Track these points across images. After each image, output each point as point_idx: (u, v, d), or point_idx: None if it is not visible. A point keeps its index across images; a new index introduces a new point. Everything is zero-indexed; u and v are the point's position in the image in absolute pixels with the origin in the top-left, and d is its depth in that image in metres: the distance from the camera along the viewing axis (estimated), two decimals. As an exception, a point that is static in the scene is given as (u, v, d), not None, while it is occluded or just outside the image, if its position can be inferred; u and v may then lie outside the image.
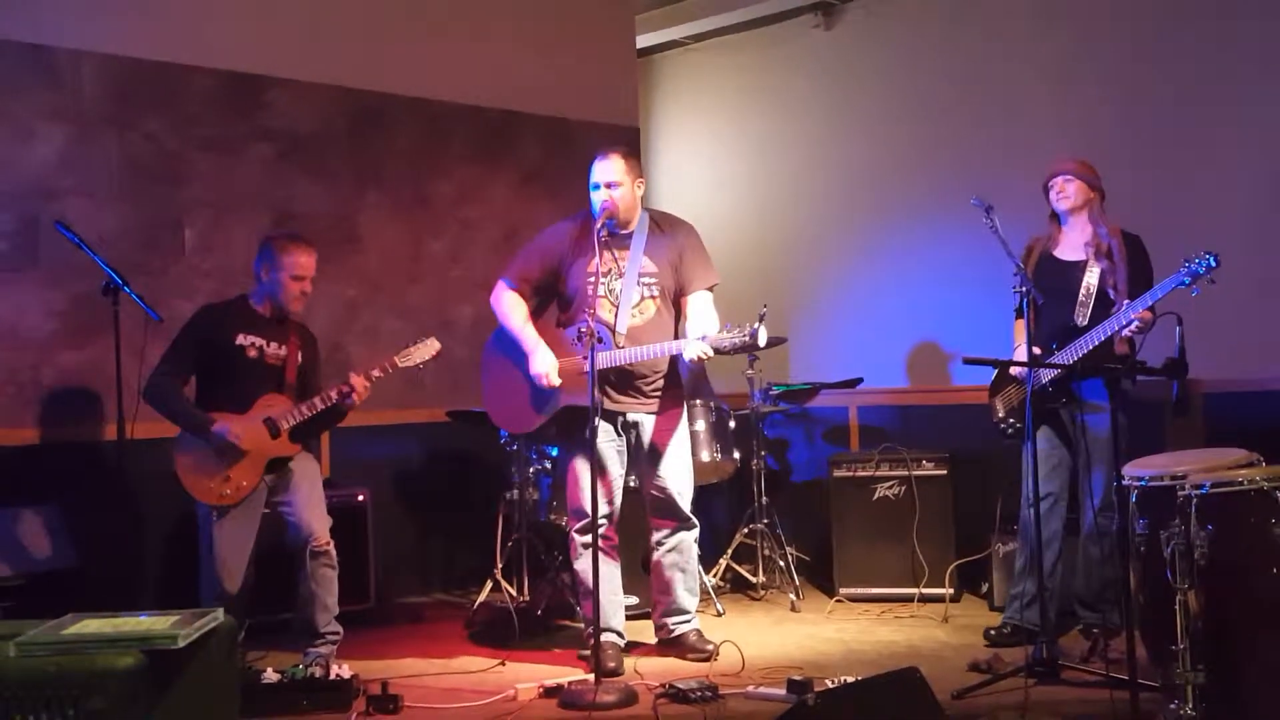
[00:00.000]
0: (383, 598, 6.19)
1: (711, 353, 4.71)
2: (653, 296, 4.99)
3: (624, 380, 4.96)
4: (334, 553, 4.99)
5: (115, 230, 5.74)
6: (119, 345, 4.92)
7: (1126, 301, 4.77)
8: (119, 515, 5.30)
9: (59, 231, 4.99)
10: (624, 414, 5.01)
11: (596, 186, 4.95)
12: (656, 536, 5.16)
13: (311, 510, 4.98)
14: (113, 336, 4.91)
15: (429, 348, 5.17)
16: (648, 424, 5.05)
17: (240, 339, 4.97)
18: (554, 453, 5.90)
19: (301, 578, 4.94)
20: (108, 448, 5.27)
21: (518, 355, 5.02)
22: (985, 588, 5.99)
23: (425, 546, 6.80)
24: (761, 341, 4.61)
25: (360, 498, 6.04)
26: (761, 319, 4.59)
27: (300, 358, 5.13)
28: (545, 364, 4.91)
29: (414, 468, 6.78)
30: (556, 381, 4.88)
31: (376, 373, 5.04)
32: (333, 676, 4.50)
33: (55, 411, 5.57)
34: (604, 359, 4.79)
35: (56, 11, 5.65)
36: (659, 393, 5.05)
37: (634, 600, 5.57)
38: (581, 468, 4.92)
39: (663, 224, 5.11)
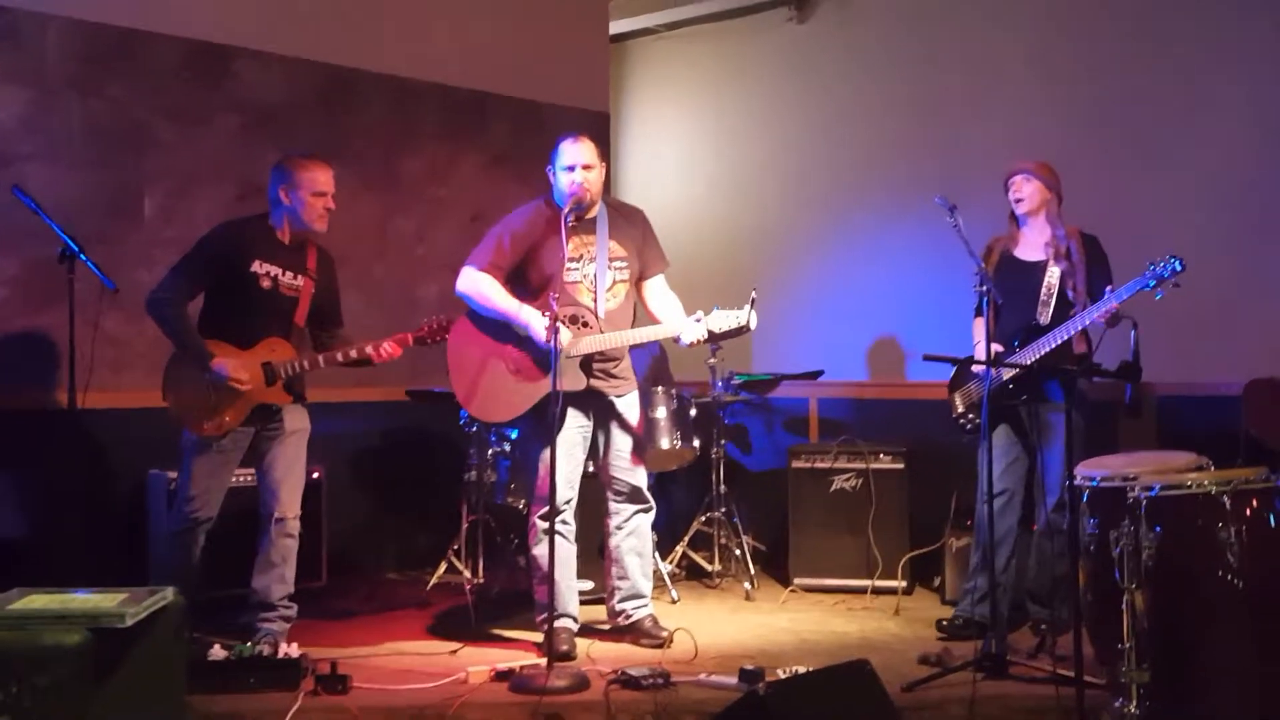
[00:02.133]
0: (335, 576, 6.16)
1: (706, 336, 4.75)
2: (623, 280, 5.02)
3: (601, 363, 4.96)
4: (298, 527, 4.98)
5: (75, 197, 5.67)
6: (73, 314, 4.84)
7: (1097, 301, 4.79)
8: (69, 486, 5.25)
9: (16, 196, 4.92)
10: (603, 395, 5.00)
11: (571, 168, 4.92)
12: (615, 520, 5.16)
13: (286, 477, 4.95)
14: (67, 304, 4.84)
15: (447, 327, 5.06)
16: (616, 405, 5.06)
17: (256, 265, 4.86)
18: (513, 435, 5.88)
19: (262, 546, 4.92)
20: (59, 417, 5.21)
21: (498, 336, 4.97)
22: (938, 581, 6.04)
23: (381, 526, 6.77)
24: (753, 325, 4.71)
25: (315, 474, 5.99)
26: (752, 303, 4.66)
27: (316, 288, 5.03)
28: (537, 321, 4.82)
29: (371, 446, 6.75)
30: (564, 339, 4.77)
31: (384, 348, 4.93)
32: (281, 655, 4.47)
33: (6, 379, 5.50)
34: (595, 342, 4.80)
35: (21, -27, 5.58)
36: (623, 375, 5.07)
37: (589, 585, 5.57)
38: (549, 452, 4.88)
39: (621, 210, 5.16)
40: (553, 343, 4.53)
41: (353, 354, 4.92)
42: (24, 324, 5.55)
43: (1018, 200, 5.12)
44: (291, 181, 4.90)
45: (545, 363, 4.79)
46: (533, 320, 4.84)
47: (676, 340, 4.88)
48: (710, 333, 4.75)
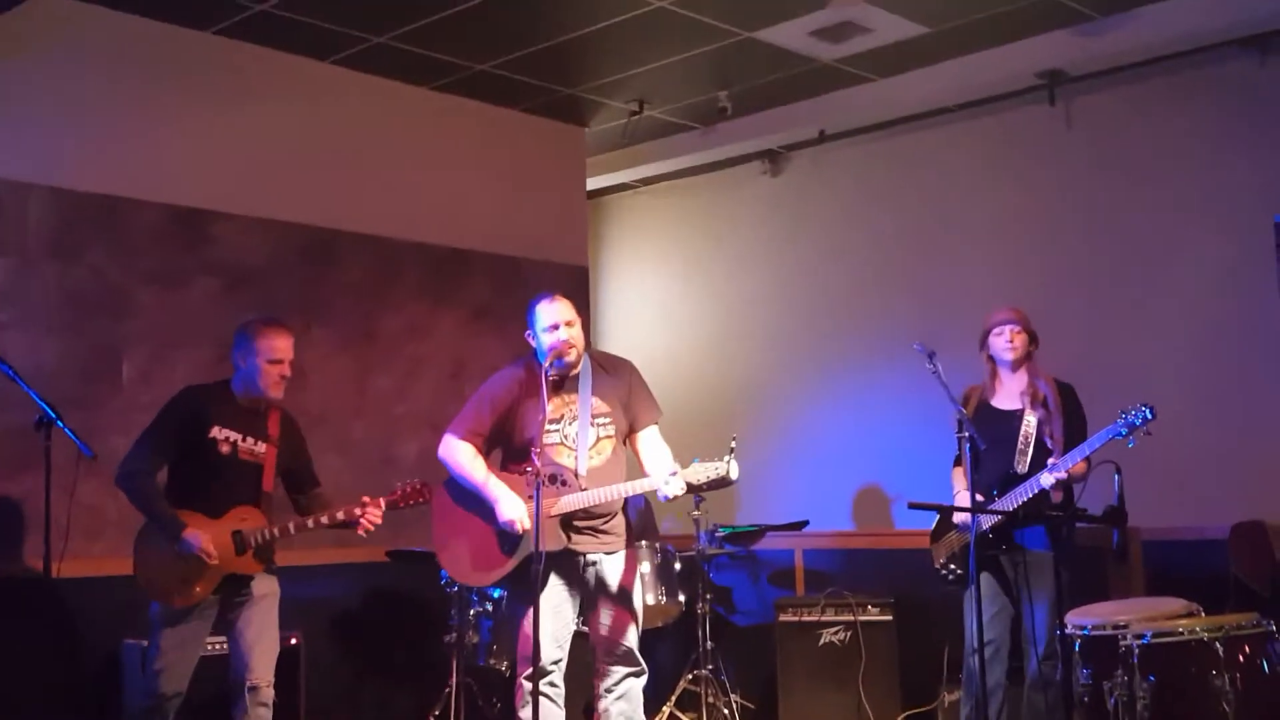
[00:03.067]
0: (315, 744, 6.00)
1: (685, 490, 4.66)
2: (608, 436, 4.94)
3: (582, 520, 4.89)
4: (272, 695, 4.85)
5: (52, 363, 5.66)
6: (49, 481, 4.82)
7: (1071, 450, 4.80)
8: (43, 655, 5.14)
9: (-6, 363, 4.92)
10: (584, 554, 4.92)
11: (555, 327, 4.91)
12: (605, 684, 5.00)
13: (257, 643, 4.84)
14: (43, 471, 4.81)
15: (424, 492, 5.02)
16: (604, 564, 4.96)
17: (215, 431, 4.83)
18: (495, 594, 5.79)
19: (236, 716, 4.79)
20: (34, 585, 5.12)
21: (477, 505, 4.90)
22: (933, 737, 5.91)
23: (361, 690, 6.61)
24: (734, 475, 4.55)
25: (293, 640, 5.87)
26: (732, 452, 4.55)
27: (280, 452, 4.99)
28: (515, 509, 4.77)
29: (351, 608, 6.62)
30: (527, 524, 4.74)
31: (359, 515, 4.88)
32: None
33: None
34: (572, 501, 4.75)
35: (1, 144, 5.64)
36: (614, 532, 4.98)
37: (574, 748, 5.43)
38: (533, 613, 4.79)
39: (605, 364, 5.09)
40: (535, 498, 4.48)
41: (324, 520, 4.88)
42: (1, 491, 5.48)
43: (1008, 349, 5.13)
44: (249, 348, 4.90)
45: (512, 535, 4.77)
46: (502, 506, 4.80)
47: (659, 496, 4.82)
48: (690, 484, 4.70)
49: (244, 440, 4.89)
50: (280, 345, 4.93)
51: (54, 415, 4.83)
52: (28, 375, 4.95)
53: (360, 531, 4.88)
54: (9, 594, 5.30)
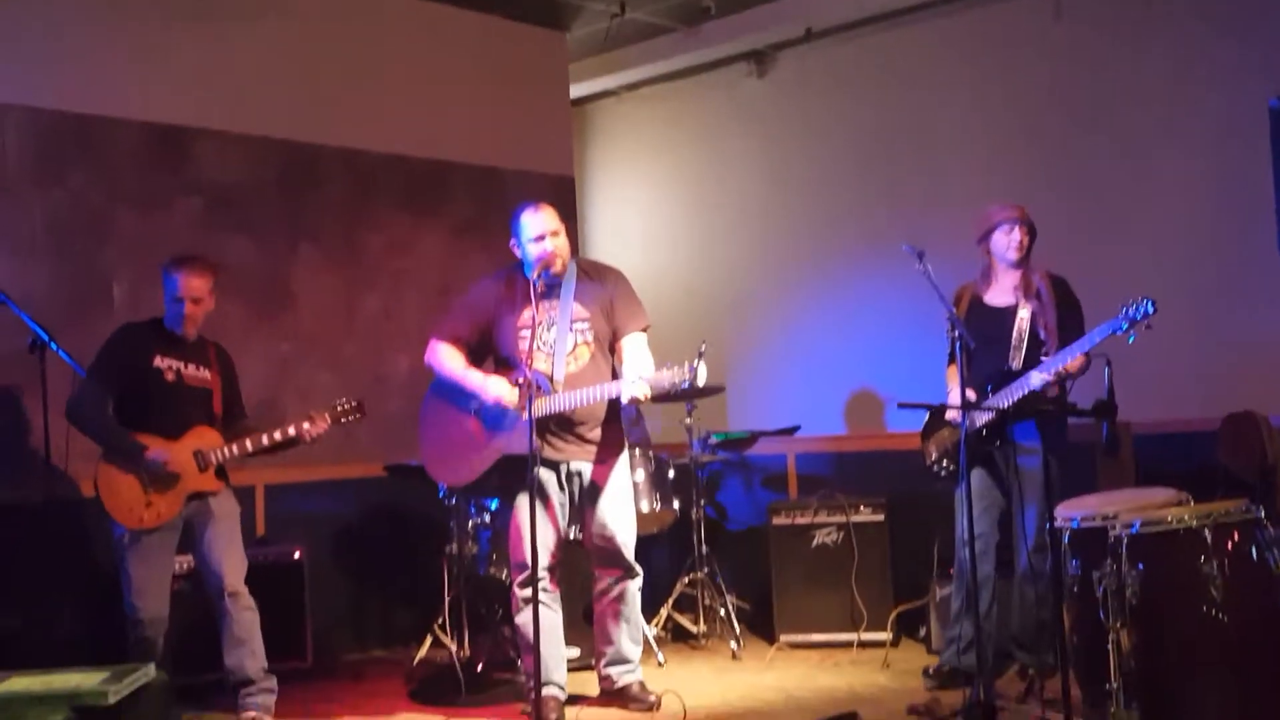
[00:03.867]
0: (320, 656, 6.08)
1: (649, 393, 4.61)
2: (586, 342, 4.95)
3: (564, 428, 4.92)
4: (249, 597, 4.96)
5: (42, 288, 5.65)
6: (46, 403, 4.85)
7: (1066, 346, 4.81)
8: (45, 574, 5.19)
9: (-16, 289, 4.92)
10: (566, 462, 4.97)
11: (540, 238, 4.91)
12: (600, 586, 5.12)
13: (226, 555, 4.95)
14: (39, 395, 4.83)
15: (357, 410, 5.17)
16: (589, 472, 5.02)
17: (157, 360, 4.94)
18: (493, 506, 5.85)
19: (224, 625, 4.91)
20: (34, 506, 5.17)
21: (460, 401, 4.98)
22: (924, 632, 6.00)
23: (363, 603, 6.71)
24: (701, 380, 4.47)
25: (296, 555, 5.95)
26: (700, 356, 4.48)
27: (221, 380, 5.11)
28: (499, 386, 4.85)
29: (351, 523, 6.69)
30: (515, 399, 4.80)
31: (307, 428, 5.02)
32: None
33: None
34: (542, 405, 4.77)
35: (-21, 66, 5.59)
36: (599, 440, 5.02)
37: (575, 652, 5.52)
38: (523, 519, 4.86)
39: (590, 271, 5.10)
40: (528, 406, 4.52)
41: (277, 436, 5.00)
42: (-4, 415, 5.51)
43: (1015, 247, 5.06)
44: (166, 285, 4.99)
45: (497, 427, 4.86)
46: (488, 388, 4.86)
47: (619, 398, 4.82)
48: (654, 389, 4.60)
49: (186, 368, 5.00)
50: (194, 283, 4.99)
51: (47, 338, 4.86)
52: (19, 300, 4.95)
53: (307, 439, 5.03)
54: (10, 516, 5.34)
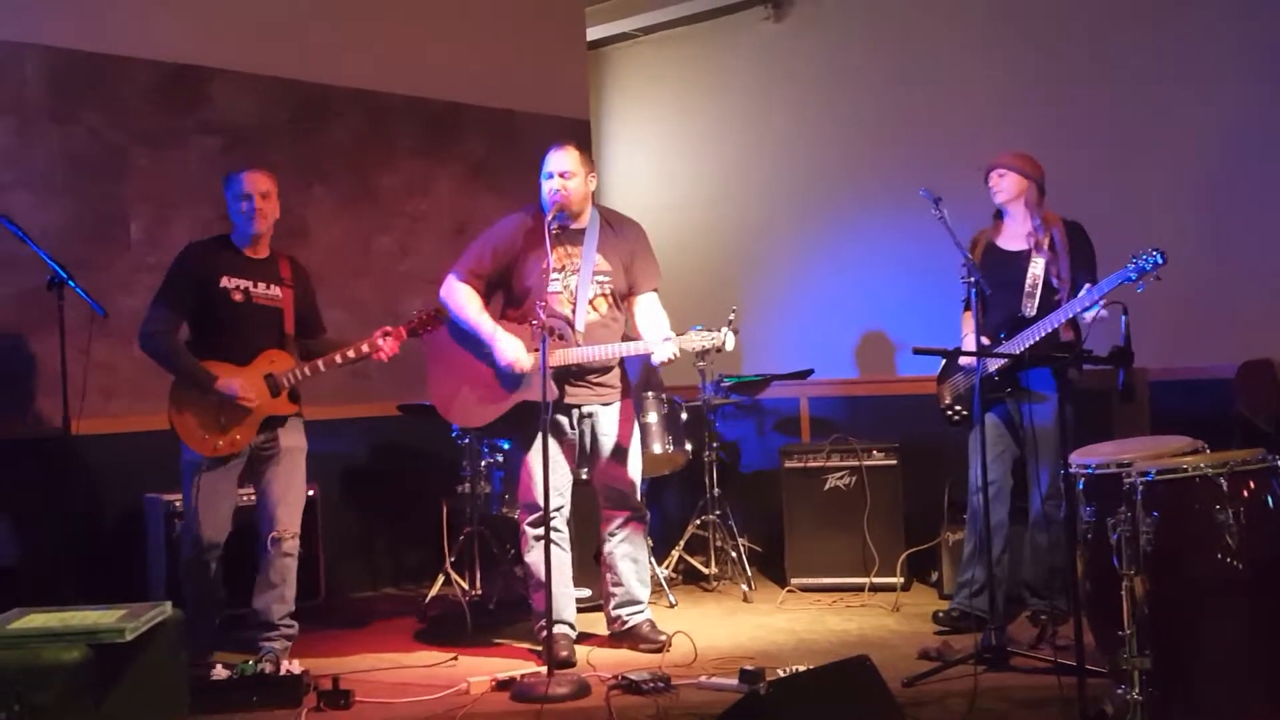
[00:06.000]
0: (333, 593, 6.15)
1: (678, 355, 4.77)
2: (605, 294, 5.00)
3: (578, 373, 4.95)
4: (296, 546, 4.98)
5: (58, 225, 5.66)
6: (64, 340, 4.87)
7: (1085, 289, 4.80)
8: (63, 511, 5.22)
9: (2, 224, 4.91)
10: (579, 406, 5.01)
11: (550, 176, 4.93)
12: (609, 527, 5.16)
13: (285, 500, 4.96)
14: (57, 332, 4.84)
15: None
16: (600, 415, 5.05)
17: (225, 281, 4.88)
18: (505, 446, 5.88)
19: (261, 565, 4.93)
20: (53, 443, 5.20)
21: (474, 347, 4.98)
22: (935, 576, 6.04)
23: (375, 541, 6.77)
24: (729, 346, 4.68)
25: (310, 493, 5.97)
26: (730, 323, 4.67)
27: (295, 296, 5.05)
28: (513, 349, 4.86)
29: (364, 462, 6.73)
30: (528, 364, 4.83)
31: (381, 345, 4.95)
32: (283, 673, 4.45)
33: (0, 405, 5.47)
34: (568, 355, 4.79)
35: (-3, 3, 5.57)
36: (610, 384, 5.06)
37: (586, 593, 5.57)
38: (534, 461, 4.90)
39: (613, 222, 5.12)
40: (542, 350, 4.54)
41: (350, 354, 4.94)
42: (14, 352, 5.52)
43: (997, 191, 5.14)
44: (229, 191, 4.93)
45: (511, 376, 4.88)
46: (500, 344, 4.86)
47: (650, 359, 4.89)
48: (684, 351, 4.77)
49: (255, 286, 4.93)
50: (258, 180, 4.92)
51: (65, 275, 4.85)
52: (36, 237, 4.96)
53: (381, 357, 4.95)
54: (30, 453, 5.38)
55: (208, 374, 4.76)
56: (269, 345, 4.92)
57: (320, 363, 4.92)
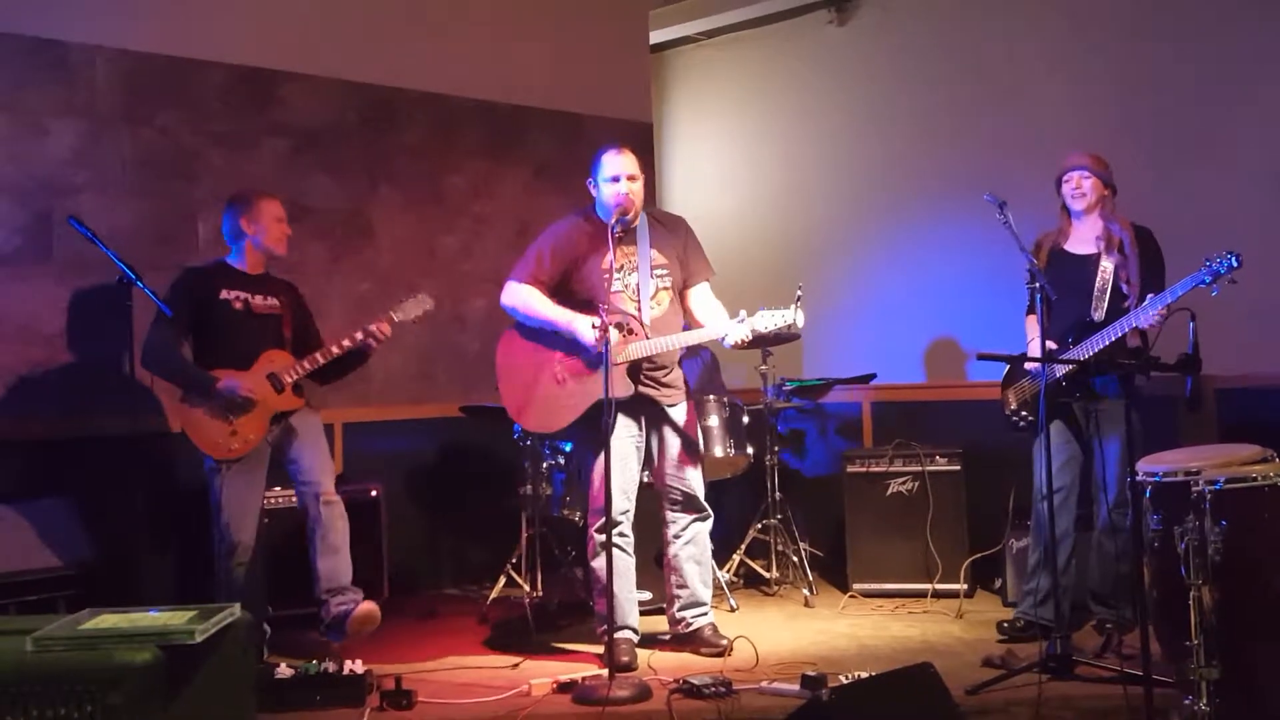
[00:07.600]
0: (396, 592, 6.19)
1: (751, 336, 4.75)
2: (665, 288, 5.03)
3: (646, 373, 4.97)
4: (342, 505, 5.12)
5: (128, 226, 5.76)
6: (133, 340, 4.95)
7: (1150, 295, 4.74)
8: (133, 509, 5.31)
9: (72, 227, 5.00)
10: (655, 403, 5.01)
11: (616, 179, 4.94)
12: (673, 529, 5.15)
13: (317, 461, 5.11)
14: (127, 332, 4.93)
15: (422, 303, 5.25)
16: (663, 415, 5.06)
17: (224, 294, 5.06)
18: (567, 448, 5.90)
19: (317, 533, 5.06)
20: (121, 441, 5.29)
21: (547, 343, 4.99)
22: (999, 583, 5.98)
23: (438, 541, 6.81)
24: (800, 324, 4.66)
25: (373, 493, 6.05)
26: (798, 300, 4.63)
27: (292, 312, 5.23)
28: (593, 325, 4.80)
29: (427, 462, 6.79)
30: (614, 337, 4.75)
31: (374, 328, 5.10)
32: (346, 672, 4.50)
33: (69, 406, 5.56)
34: (643, 348, 4.82)
35: (70, 6, 5.67)
36: (674, 385, 5.07)
37: (647, 595, 5.56)
38: (602, 464, 4.89)
39: (662, 219, 5.18)
40: (604, 350, 4.55)
41: (345, 344, 5.08)
42: (84, 352, 5.63)
43: (1078, 196, 5.06)
44: (254, 213, 5.13)
45: (592, 370, 4.85)
46: (579, 326, 4.86)
47: (722, 341, 4.87)
48: (755, 332, 4.75)
49: (254, 297, 5.11)
50: (281, 208, 5.21)
51: (134, 276, 4.93)
52: (105, 237, 5.03)
53: (370, 341, 5.10)
54: (100, 451, 5.47)
55: (208, 377, 4.92)
56: (268, 347, 5.09)
57: (318, 355, 5.07)
